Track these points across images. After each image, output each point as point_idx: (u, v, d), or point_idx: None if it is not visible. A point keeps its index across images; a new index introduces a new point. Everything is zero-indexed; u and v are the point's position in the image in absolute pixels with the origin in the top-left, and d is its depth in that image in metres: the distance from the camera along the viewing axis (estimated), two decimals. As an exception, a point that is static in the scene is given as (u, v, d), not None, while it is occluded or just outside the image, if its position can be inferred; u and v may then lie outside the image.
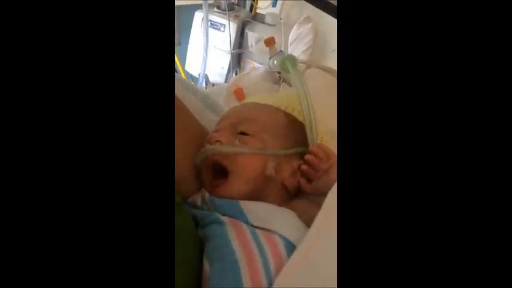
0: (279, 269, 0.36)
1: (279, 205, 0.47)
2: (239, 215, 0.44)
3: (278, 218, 0.43)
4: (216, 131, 0.54)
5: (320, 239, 0.37)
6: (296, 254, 0.37)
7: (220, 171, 0.50)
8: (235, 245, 0.39)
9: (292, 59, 0.62)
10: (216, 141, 0.50)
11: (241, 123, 0.53)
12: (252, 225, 0.42)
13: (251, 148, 0.50)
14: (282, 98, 0.60)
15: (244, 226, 0.42)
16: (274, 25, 1.22)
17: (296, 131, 0.54)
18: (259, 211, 0.44)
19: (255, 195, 0.48)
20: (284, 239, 0.40)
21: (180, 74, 1.34)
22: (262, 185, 0.49)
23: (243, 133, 0.52)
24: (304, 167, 0.50)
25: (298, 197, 0.51)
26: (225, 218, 0.43)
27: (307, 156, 0.50)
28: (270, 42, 0.83)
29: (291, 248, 0.39)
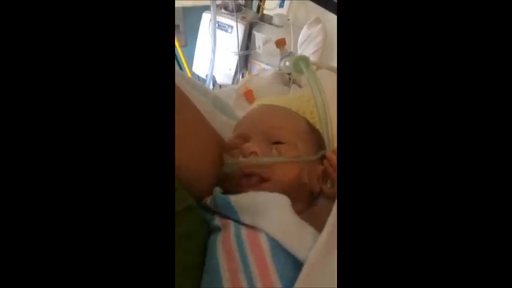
0: (262, 275, 0.36)
1: (304, 210, 0.46)
2: (231, 213, 0.43)
3: (268, 211, 0.42)
4: (244, 139, 0.52)
5: (327, 254, 0.37)
6: (304, 270, 0.36)
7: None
8: (220, 256, 0.39)
9: (306, 60, 0.61)
10: (251, 152, 0.49)
11: (273, 132, 0.52)
12: (243, 223, 0.42)
13: (288, 157, 0.49)
14: (292, 100, 0.60)
15: (231, 232, 0.41)
16: (282, 26, 1.21)
17: (316, 134, 0.54)
18: (248, 203, 0.44)
19: None
20: (270, 239, 0.39)
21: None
22: (294, 192, 0.48)
23: (277, 142, 0.51)
24: (329, 169, 0.49)
25: (316, 200, 0.51)
26: (220, 224, 0.43)
27: (327, 164, 0.50)
28: (281, 43, 0.83)
29: (275, 245, 0.38)
